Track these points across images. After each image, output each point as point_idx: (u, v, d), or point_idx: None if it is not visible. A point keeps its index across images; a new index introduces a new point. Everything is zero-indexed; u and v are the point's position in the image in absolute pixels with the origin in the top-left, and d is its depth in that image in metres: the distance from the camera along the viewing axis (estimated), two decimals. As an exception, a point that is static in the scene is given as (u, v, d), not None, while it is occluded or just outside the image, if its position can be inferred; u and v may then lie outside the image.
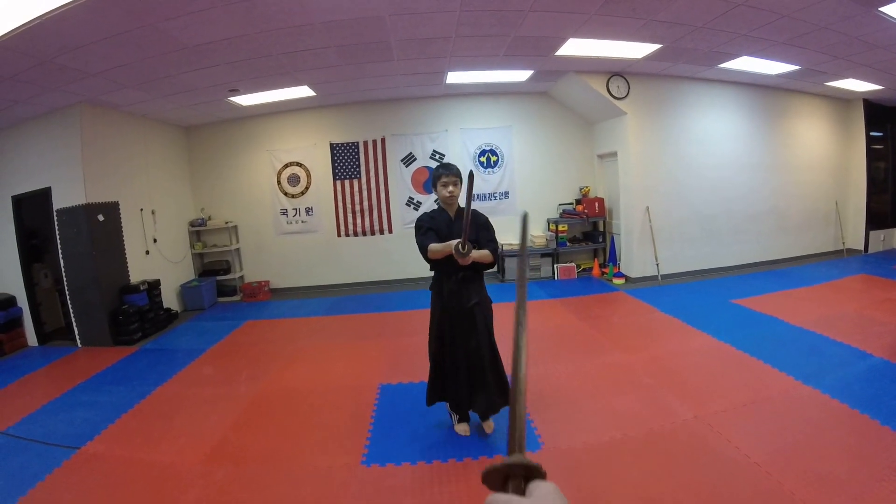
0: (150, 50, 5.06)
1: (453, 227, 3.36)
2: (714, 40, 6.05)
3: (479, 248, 3.23)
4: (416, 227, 3.41)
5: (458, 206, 3.48)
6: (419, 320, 5.08)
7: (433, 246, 3.20)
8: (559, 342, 5.48)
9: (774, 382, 4.10)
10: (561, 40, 5.82)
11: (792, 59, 6.89)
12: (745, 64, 7.11)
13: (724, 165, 8.38)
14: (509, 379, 0.90)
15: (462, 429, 3.61)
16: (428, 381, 3.62)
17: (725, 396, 3.89)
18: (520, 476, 0.62)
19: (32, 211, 7.04)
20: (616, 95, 7.66)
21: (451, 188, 3.33)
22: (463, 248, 2.94)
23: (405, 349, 5.49)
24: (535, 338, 5.63)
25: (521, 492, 0.61)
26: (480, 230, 3.37)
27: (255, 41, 5.11)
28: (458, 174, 3.36)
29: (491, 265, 3.39)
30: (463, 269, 3.27)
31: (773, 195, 8.86)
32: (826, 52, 6.49)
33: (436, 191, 3.44)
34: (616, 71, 7.53)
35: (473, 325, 3.35)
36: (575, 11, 4.93)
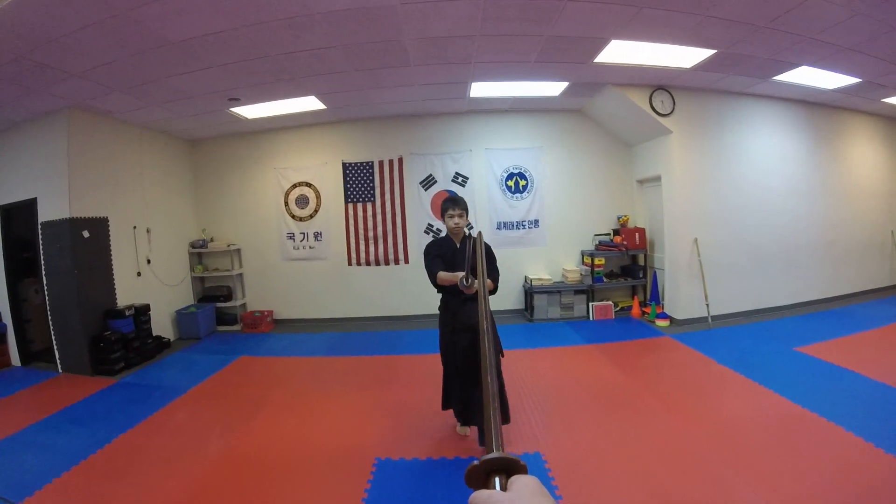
0: (129, 46, 4.48)
1: (457, 254, 3.71)
2: (776, 45, 5.25)
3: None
4: (425, 252, 3.78)
5: (464, 234, 3.82)
6: (432, 367, 4.44)
7: (442, 274, 3.57)
8: (598, 401, 4.51)
9: (868, 461, 3.18)
10: (602, 42, 5.02)
11: (855, 70, 6.14)
12: (803, 76, 6.35)
13: (774, 190, 7.48)
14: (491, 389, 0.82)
15: (462, 431, 3.94)
16: (442, 388, 3.92)
17: (814, 486, 2.94)
18: (501, 472, 0.64)
19: (22, 222, 6.58)
20: (660, 112, 6.81)
21: (456, 220, 3.71)
22: (466, 281, 3.19)
23: (412, 408, 4.55)
24: (569, 395, 4.69)
25: (504, 487, 0.62)
26: (485, 257, 3.38)
27: (247, 37, 4.45)
28: (464, 207, 3.78)
29: (492, 292, 3.72)
30: (462, 294, 3.52)
31: (826, 224, 7.95)
32: (892, 61, 5.72)
33: (443, 221, 3.80)
34: (660, 84, 6.73)
35: (474, 343, 3.53)
36: (622, 2, 4.13)
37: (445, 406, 3.91)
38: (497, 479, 0.63)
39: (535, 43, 4.97)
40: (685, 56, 5.60)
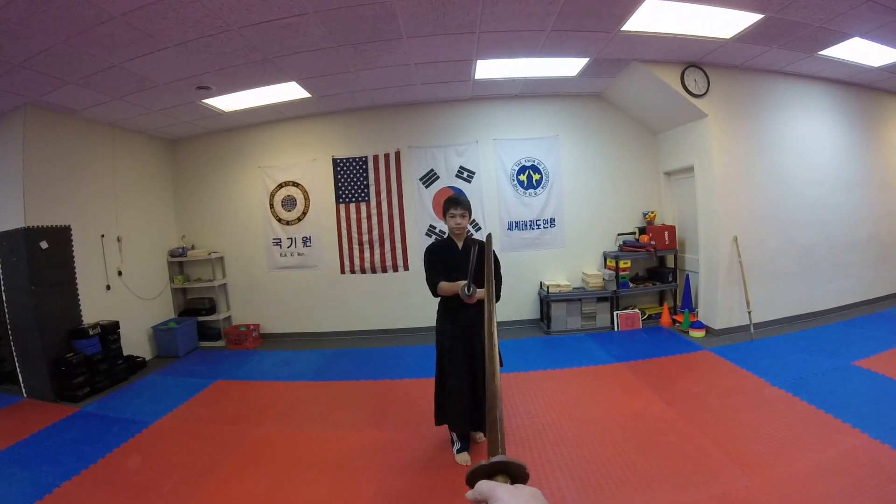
0: (65, 21, 3.70)
1: (459, 258, 3.51)
2: (831, 9, 4.45)
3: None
4: (425, 258, 3.62)
5: (468, 235, 3.65)
6: (433, 398, 3.73)
7: (443, 285, 3.48)
8: (640, 447, 3.60)
9: None
10: (633, 2, 4.16)
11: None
12: (850, 51, 5.64)
13: (819, 182, 6.65)
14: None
15: (462, 458, 3.59)
16: (435, 401, 3.69)
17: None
18: (505, 475, 0.65)
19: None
20: (693, 92, 5.96)
21: (458, 220, 3.52)
22: (468, 290, 3.21)
23: (408, 459, 3.69)
24: (602, 438, 3.80)
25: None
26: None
27: (200, 2, 3.63)
28: (467, 207, 3.57)
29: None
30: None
31: (872, 218, 7.14)
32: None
33: (445, 221, 3.61)
34: (692, 61, 5.89)
35: (473, 346, 3.48)
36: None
37: (439, 421, 3.69)
38: (501, 481, 0.64)
39: (552, 3, 4.10)
40: (727, 24, 4.81)
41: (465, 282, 3.21)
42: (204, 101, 5.92)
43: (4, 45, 3.92)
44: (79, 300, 5.88)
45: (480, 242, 3.58)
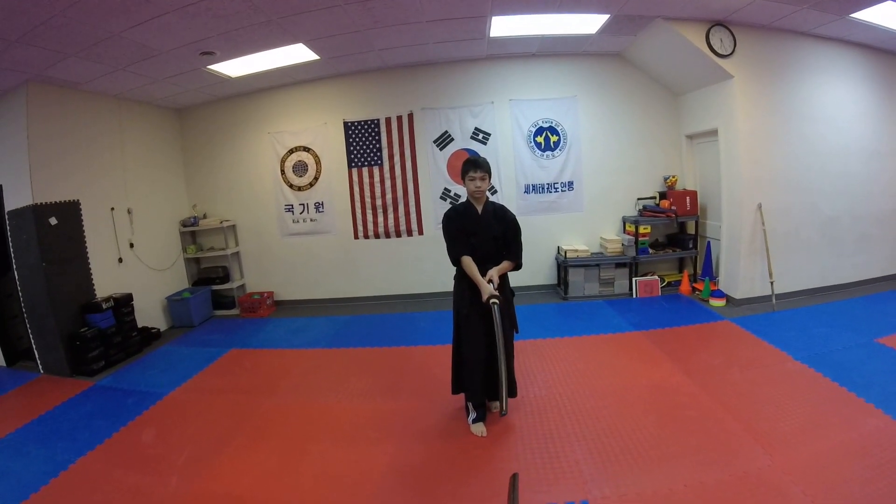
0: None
1: (480, 223, 3.42)
2: None
3: (504, 244, 3.45)
4: (443, 224, 3.51)
5: (487, 199, 3.51)
6: (447, 366, 3.76)
7: (468, 264, 3.34)
8: (660, 421, 3.50)
9: None
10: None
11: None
12: (882, 15, 5.32)
13: (845, 151, 6.28)
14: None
15: (478, 429, 3.51)
16: (452, 369, 3.71)
17: None
18: None
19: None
20: (719, 52, 5.64)
21: (478, 183, 3.38)
22: (489, 300, 3.20)
23: (426, 431, 3.62)
24: (621, 411, 3.71)
25: None
26: (508, 229, 3.46)
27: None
28: (487, 169, 3.43)
29: (516, 268, 3.50)
30: (486, 264, 3.37)
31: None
32: None
33: (464, 184, 3.47)
34: (718, 19, 5.56)
35: (492, 315, 3.31)
36: None
37: (456, 390, 3.72)
38: None
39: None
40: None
41: (494, 292, 3.20)
42: (209, 67, 5.73)
43: (-1, 21, 3.76)
44: (91, 274, 5.85)
45: (500, 207, 3.54)
